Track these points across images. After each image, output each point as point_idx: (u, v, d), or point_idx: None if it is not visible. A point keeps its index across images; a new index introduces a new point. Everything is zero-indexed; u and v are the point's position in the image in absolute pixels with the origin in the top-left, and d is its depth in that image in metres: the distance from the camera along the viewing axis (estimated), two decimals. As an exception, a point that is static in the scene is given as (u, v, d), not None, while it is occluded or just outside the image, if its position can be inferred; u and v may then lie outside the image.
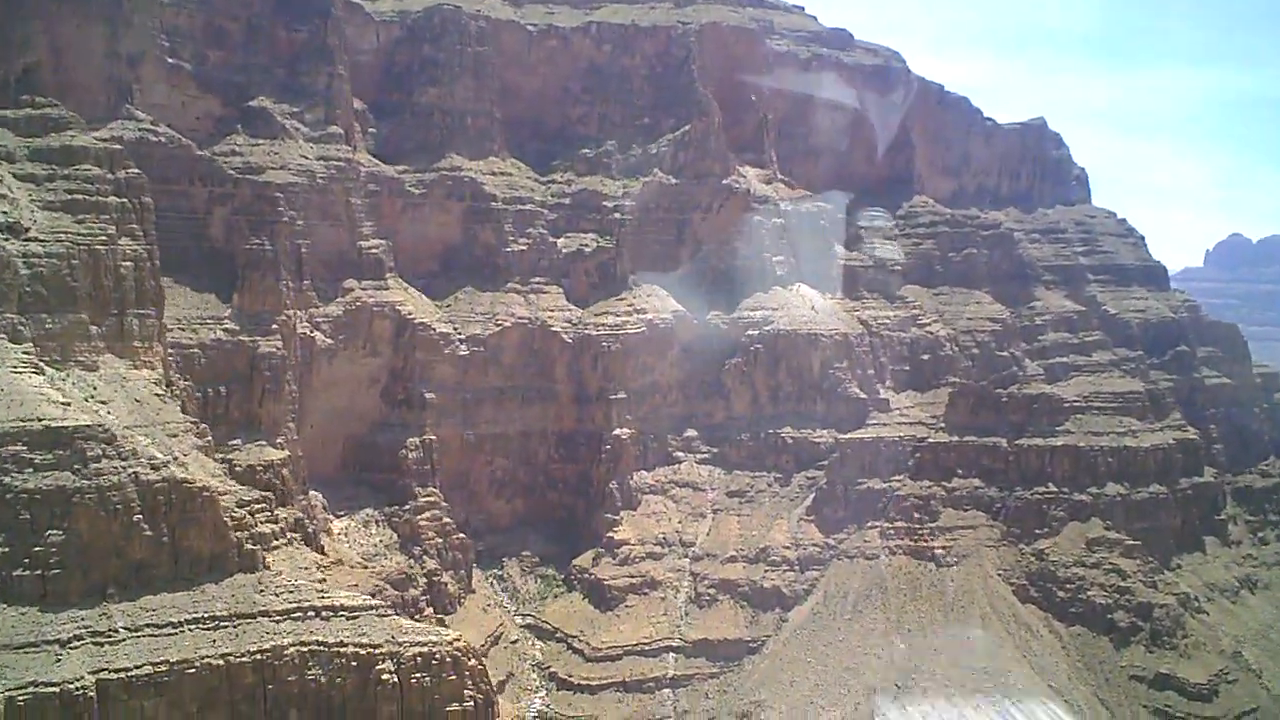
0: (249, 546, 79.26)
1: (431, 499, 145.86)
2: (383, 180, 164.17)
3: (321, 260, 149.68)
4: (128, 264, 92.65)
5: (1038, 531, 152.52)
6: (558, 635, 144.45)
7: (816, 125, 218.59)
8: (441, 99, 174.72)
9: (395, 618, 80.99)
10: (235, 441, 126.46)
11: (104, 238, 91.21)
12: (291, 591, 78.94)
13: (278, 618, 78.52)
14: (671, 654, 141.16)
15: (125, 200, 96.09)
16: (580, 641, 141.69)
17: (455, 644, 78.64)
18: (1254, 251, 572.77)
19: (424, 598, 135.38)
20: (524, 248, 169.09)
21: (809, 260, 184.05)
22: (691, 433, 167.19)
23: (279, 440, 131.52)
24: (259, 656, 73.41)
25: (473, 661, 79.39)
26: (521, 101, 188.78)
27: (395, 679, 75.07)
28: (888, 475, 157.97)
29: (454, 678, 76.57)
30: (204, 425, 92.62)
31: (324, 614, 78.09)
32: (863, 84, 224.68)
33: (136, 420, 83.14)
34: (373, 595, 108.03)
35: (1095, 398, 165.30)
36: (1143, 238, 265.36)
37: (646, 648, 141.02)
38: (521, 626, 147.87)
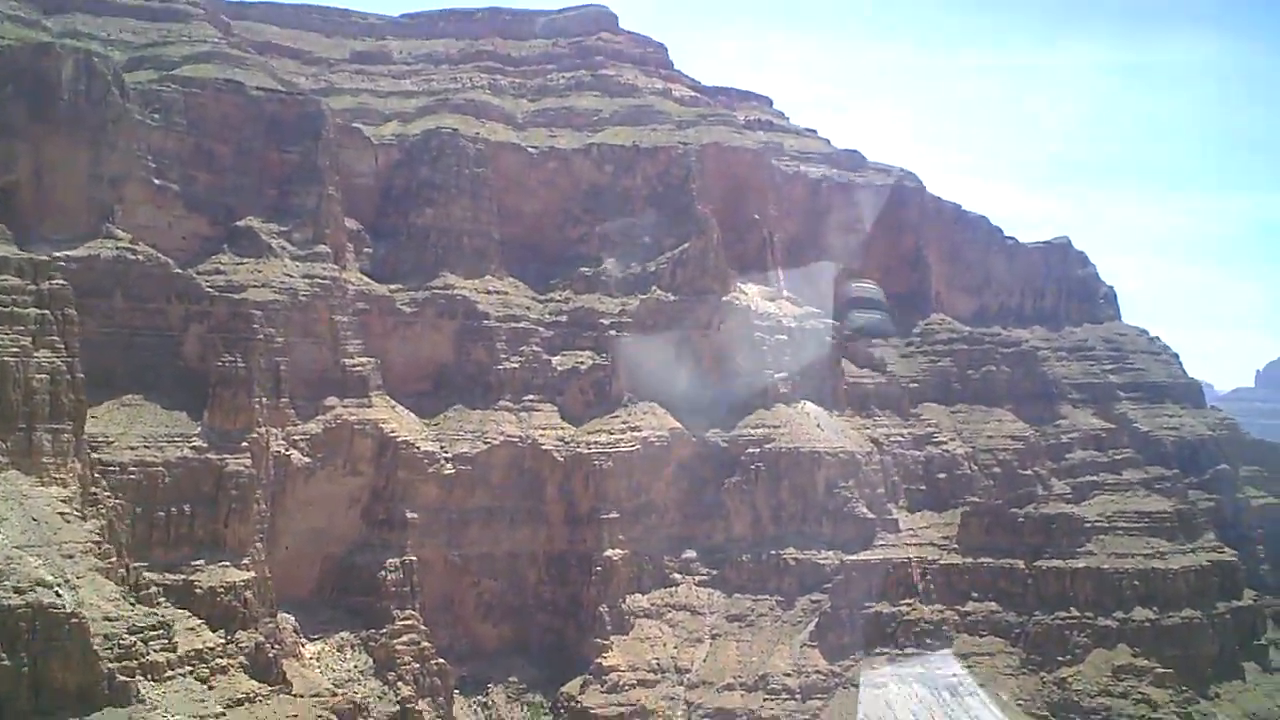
0: (121, 679, 71.19)
1: (410, 622, 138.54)
2: (372, 299, 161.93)
3: (302, 378, 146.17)
4: (42, 377, 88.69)
5: (1060, 659, 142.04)
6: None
7: (828, 246, 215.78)
8: (438, 220, 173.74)
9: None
10: (199, 562, 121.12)
11: (15, 350, 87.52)
12: (163, 730, 70.90)
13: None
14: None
15: (46, 312, 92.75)
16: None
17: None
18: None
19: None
20: (516, 365, 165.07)
21: (814, 377, 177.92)
22: (690, 554, 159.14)
23: (245, 561, 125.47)
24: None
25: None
26: (521, 222, 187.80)
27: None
28: (897, 599, 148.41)
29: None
30: (107, 546, 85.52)
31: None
32: (875, 203, 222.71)
33: (30, 540, 77.93)
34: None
35: (1119, 517, 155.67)
36: (1176, 355, 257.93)
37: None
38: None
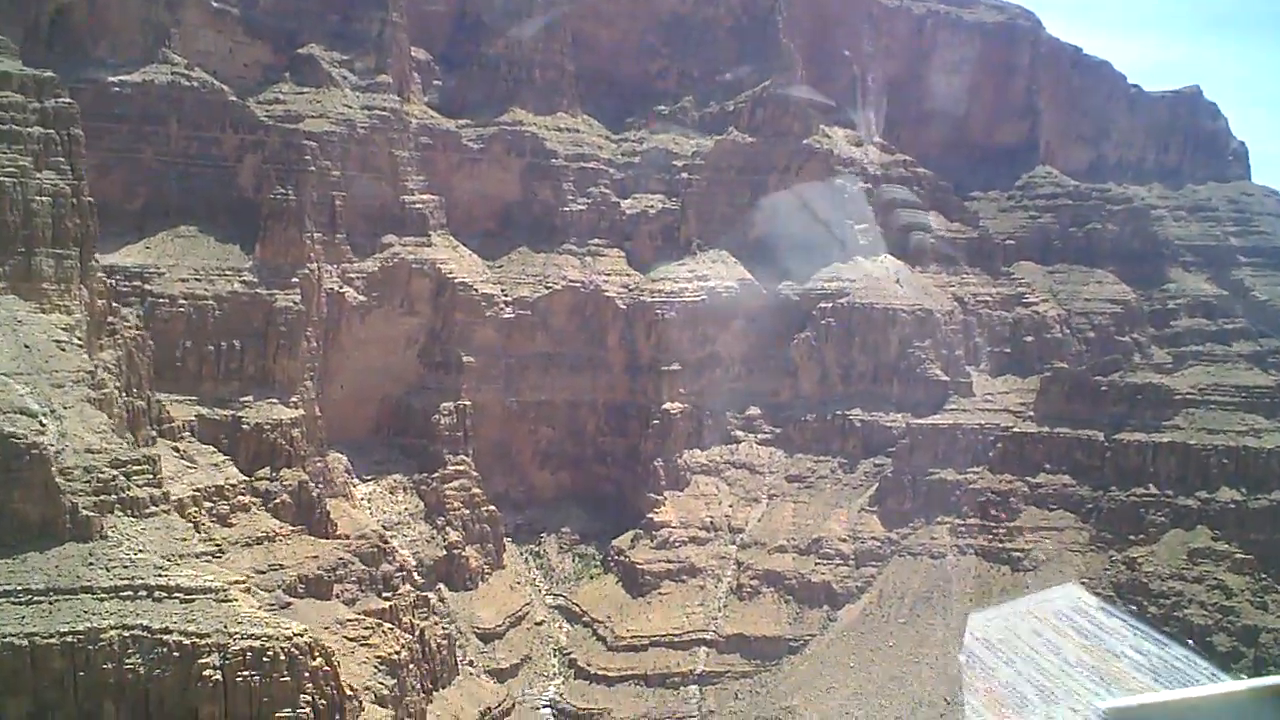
0: (86, 513, 69.26)
1: (461, 467, 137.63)
2: (437, 133, 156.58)
3: (360, 213, 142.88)
4: (43, 199, 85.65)
5: (1132, 538, 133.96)
6: (585, 620, 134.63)
7: (931, 87, 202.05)
8: (509, 50, 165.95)
9: (237, 604, 68.65)
10: (247, 398, 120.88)
11: (13, 170, 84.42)
12: (125, 566, 68.65)
13: (102, 596, 67.21)
14: (703, 648, 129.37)
15: (51, 131, 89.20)
16: (605, 628, 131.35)
17: (295, 640, 66.38)
18: None
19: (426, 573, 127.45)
20: (583, 207, 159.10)
21: (899, 230, 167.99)
22: (754, 410, 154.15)
23: (293, 399, 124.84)
24: (71, 639, 63.55)
25: (316, 661, 67.69)
26: (598, 54, 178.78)
27: (219, 675, 64.13)
28: (964, 466, 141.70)
29: (287, 679, 65.11)
30: (102, 376, 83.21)
31: (157, 594, 67.81)
32: (984, 43, 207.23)
33: (20, 367, 75.98)
34: (333, 570, 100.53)
35: (1213, 390, 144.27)
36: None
37: (676, 639, 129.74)
38: (551, 608, 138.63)
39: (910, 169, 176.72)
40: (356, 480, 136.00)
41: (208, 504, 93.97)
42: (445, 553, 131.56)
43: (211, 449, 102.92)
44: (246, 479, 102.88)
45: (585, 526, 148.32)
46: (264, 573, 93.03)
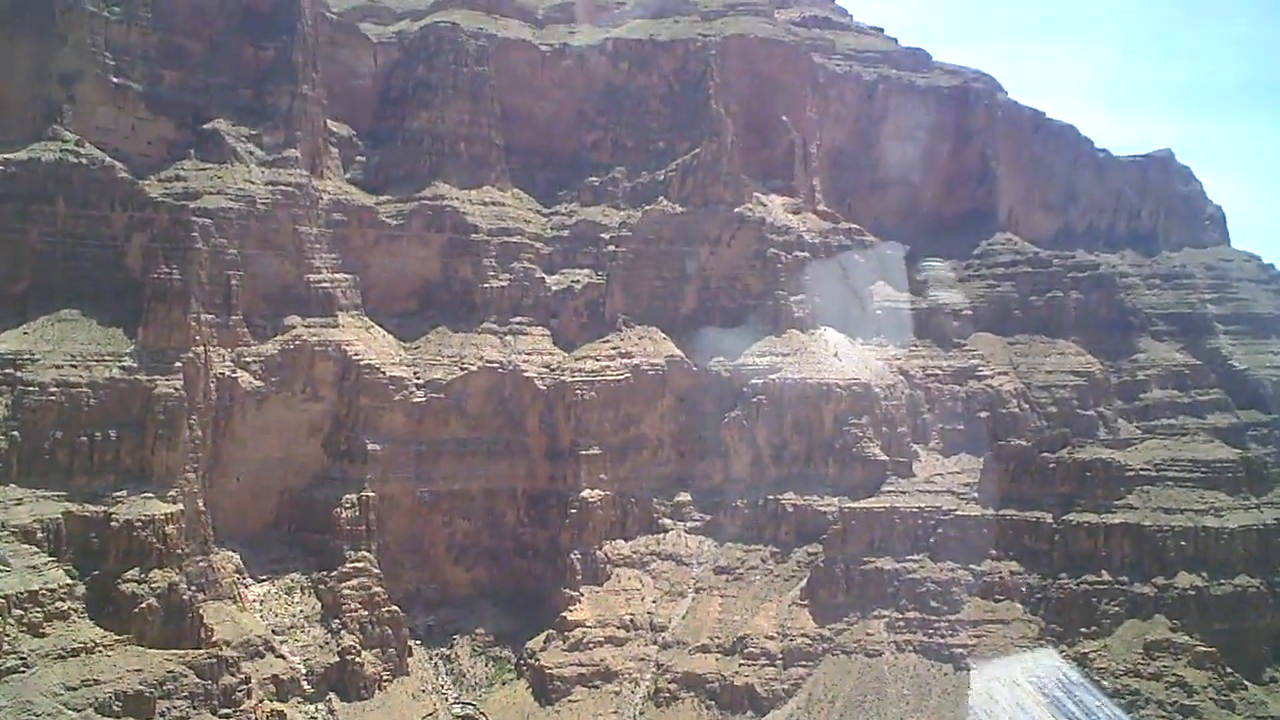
0: None
1: (361, 564, 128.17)
2: (351, 209, 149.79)
3: (260, 294, 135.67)
4: None
5: (1084, 630, 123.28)
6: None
7: (883, 155, 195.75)
8: (432, 124, 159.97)
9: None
10: (120, 492, 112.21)
11: None
12: None
13: None
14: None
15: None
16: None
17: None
18: None
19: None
20: (505, 284, 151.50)
21: (839, 302, 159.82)
22: (684, 496, 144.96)
23: (171, 494, 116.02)
24: None
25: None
26: (533, 128, 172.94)
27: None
28: (902, 554, 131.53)
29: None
30: None
31: None
32: (938, 109, 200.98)
33: None
34: (159, 684, 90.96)
35: (1170, 465, 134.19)
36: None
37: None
38: (458, 718, 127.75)
39: (855, 237, 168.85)
40: (250, 580, 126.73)
41: (18, 612, 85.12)
42: (339, 659, 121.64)
43: (33, 550, 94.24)
44: (70, 583, 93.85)
45: (503, 626, 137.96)
46: (75, 689, 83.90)
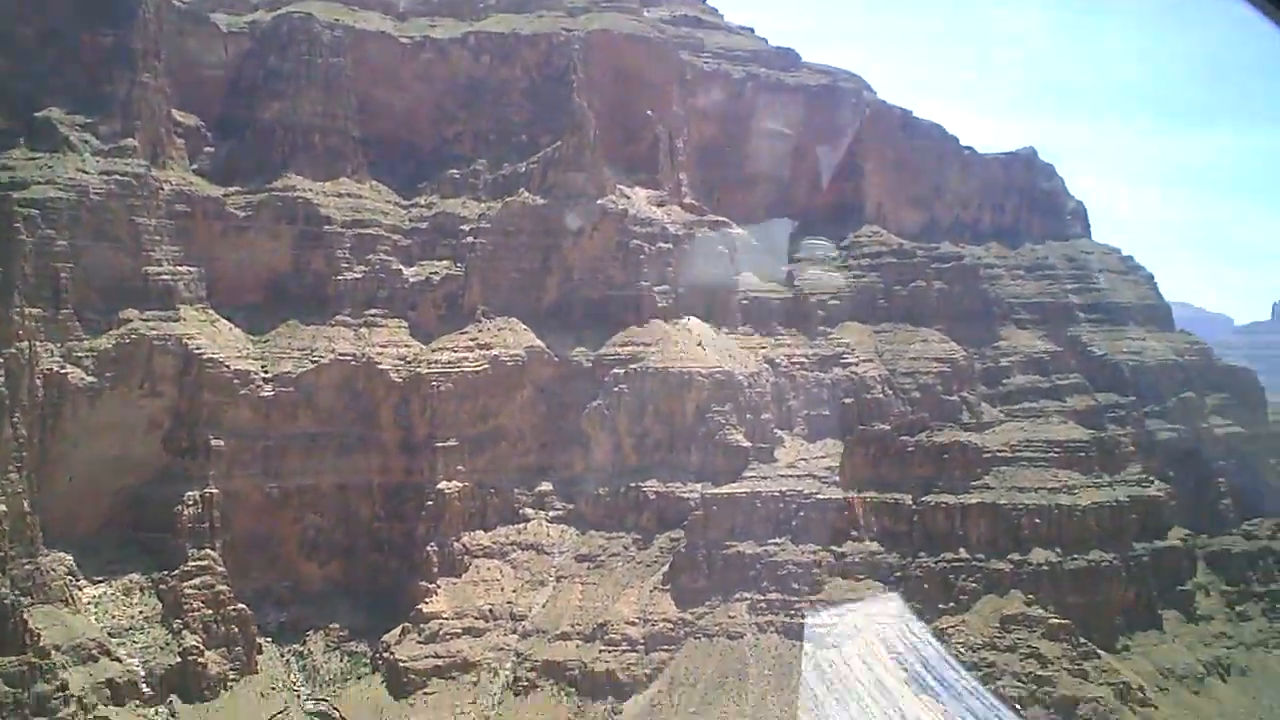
0: None
1: (204, 563, 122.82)
2: (196, 200, 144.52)
3: (94, 287, 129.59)
4: None
5: (942, 607, 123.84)
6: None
7: (753, 151, 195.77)
8: (284, 115, 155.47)
9: None
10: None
11: None
12: None
13: None
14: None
15: None
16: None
17: None
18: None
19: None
20: (359, 276, 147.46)
21: (704, 292, 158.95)
22: (545, 486, 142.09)
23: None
24: None
25: None
26: (393, 120, 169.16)
27: None
28: (764, 538, 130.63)
29: None
30: None
31: None
32: (807, 106, 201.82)
33: None
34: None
35: (1025, 447, 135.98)
36: (1150, 276, 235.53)
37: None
38: (310, 714, 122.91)
39: (720, 229, 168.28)
40: (84, 582, 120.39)
41: None
42: (180, 660, 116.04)
43: None
44: None
45: (359, 622, 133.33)
46: None
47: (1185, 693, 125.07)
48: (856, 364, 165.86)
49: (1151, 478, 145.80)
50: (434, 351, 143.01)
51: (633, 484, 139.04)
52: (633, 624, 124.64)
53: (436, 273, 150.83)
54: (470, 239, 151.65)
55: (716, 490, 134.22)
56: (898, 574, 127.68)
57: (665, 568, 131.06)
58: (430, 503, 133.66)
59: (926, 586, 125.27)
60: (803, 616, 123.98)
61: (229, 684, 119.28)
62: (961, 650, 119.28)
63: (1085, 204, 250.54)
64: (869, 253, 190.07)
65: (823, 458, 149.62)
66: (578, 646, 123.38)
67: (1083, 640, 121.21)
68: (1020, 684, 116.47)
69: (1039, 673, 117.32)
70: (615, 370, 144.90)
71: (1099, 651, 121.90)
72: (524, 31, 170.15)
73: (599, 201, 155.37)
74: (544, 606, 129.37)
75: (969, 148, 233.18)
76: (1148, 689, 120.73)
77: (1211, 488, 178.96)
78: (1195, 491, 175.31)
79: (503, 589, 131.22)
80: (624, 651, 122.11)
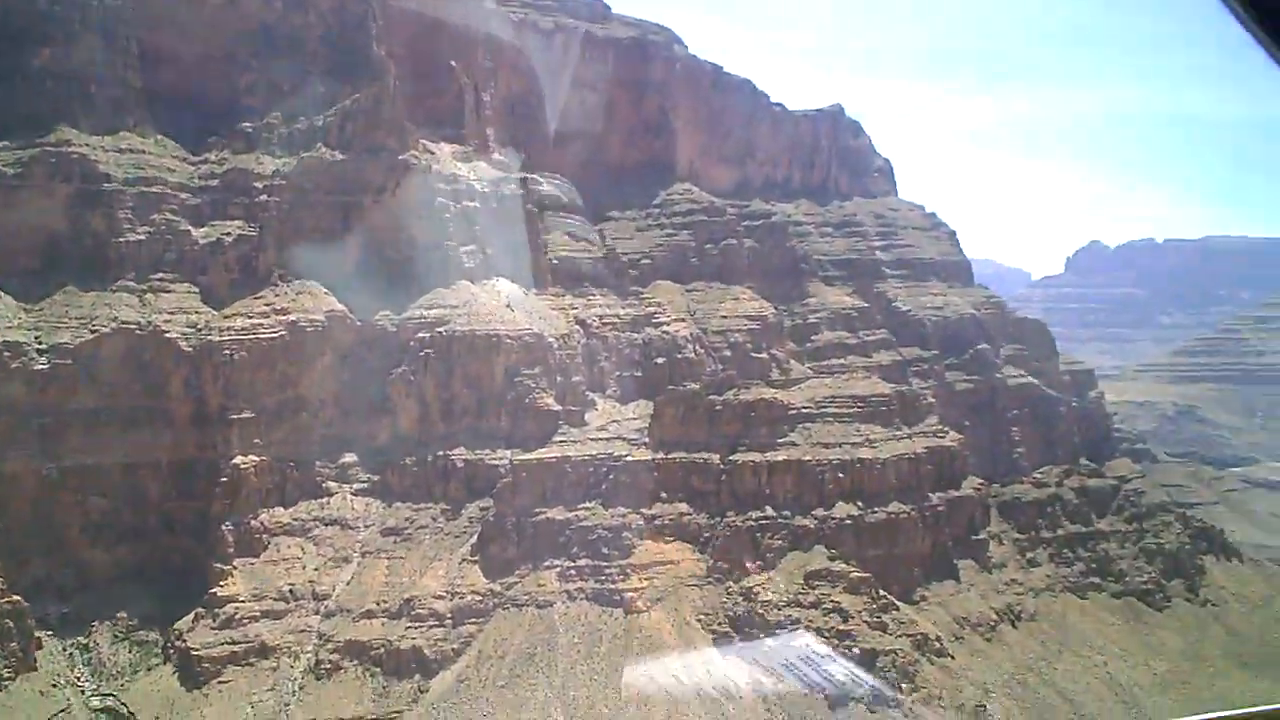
0: None
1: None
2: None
3: None
4: None
5: (750, 565, 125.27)
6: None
7: (563, 105, 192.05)
8: (56, 63, 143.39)
9: None
10: None
11: None
12: None
13: None
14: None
15: None
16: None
17: None
18: (1111, 257, 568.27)
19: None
20: (144, 237, 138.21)
21: (513, 251, 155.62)
22: (349, 458, 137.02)
23: None
24: None
25: None
26: (179, 70, 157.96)
27: None
28: (574, 503, 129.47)
29: None
30: None
31: None
32: (617, 60, 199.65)
33: None
34: None
35: (829, 403, 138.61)
36: (953, 232, 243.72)
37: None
38: (96, 711, 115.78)
39: (531, 186, 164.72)
40: None
41: None
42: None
43: None
44: None
45: (150, 609, 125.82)
46: None
47: (979, 640, 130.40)
48: (668, 323, 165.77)
49: (946, 429, 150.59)
50: (227, 318, 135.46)
51: (440, 452, 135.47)
52: (440, 598, 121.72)
53: (228, 234, 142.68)
54: (265, 197, 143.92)
55: (526, 456, 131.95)
56: (706, 534, 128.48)
57: (474, 538, 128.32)
58: (225, 479, 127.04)
59: (734, 545, 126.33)
60: (612, 582, 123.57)
61: (3, 683, 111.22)
62: (768, 608, 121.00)
63: (891, 162, 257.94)
64: (680, 211, 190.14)
65: (634, 419, 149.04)
66: (383, 624, 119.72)
67: (882, 593, 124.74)
68: (824, 639, 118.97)
69: (840, 627, 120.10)
70: (421, 334, 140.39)
71: (897, 604, 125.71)
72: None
73: (401, 157, 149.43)
74: (348, 584, 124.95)
75: (779, 104, 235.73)
76: (944, 638, 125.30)
77: (1005, 437, 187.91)
78: (990, 441, 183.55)
79: (304, 568, 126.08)
80: (431, 627, 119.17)
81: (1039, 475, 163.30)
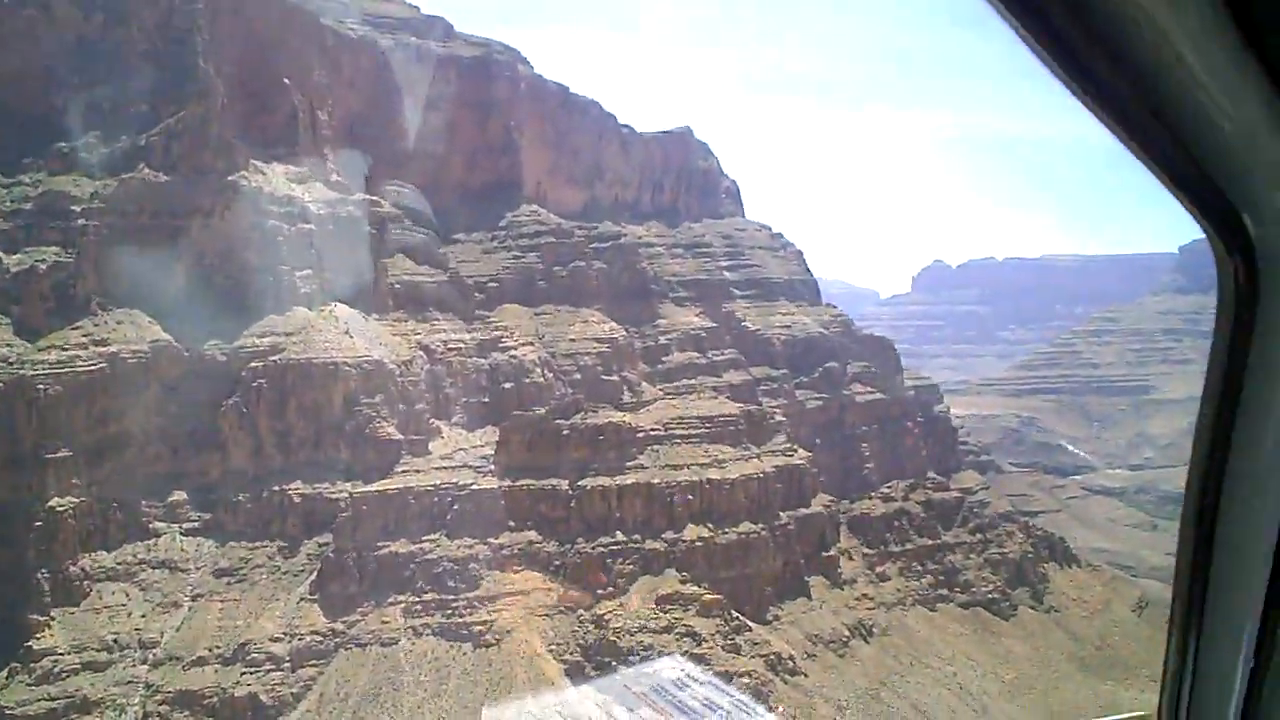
0: None
1: None
2: None
3: None
4: None
5: (601, 592, 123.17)
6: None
7: (405, 125, 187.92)
8: None
9: None
10: None
11: None
12: None
13: None
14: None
15: None
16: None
17: None
18: (954, 276, 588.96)
19: None
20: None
21: (352, 275, 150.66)
22: (179, 496, 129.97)
23: None
24: None
25: None
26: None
27: None
28: (418, 535, 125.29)
29: None
30: None
31: None
32: (460, 79, 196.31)
33: None
34: None
35: (677, 424, 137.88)
36: (800, 252, 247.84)
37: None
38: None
39: (370, 209, 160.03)
40: None
41: None
42: None
43: None
44: None
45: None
46: None
47: (832, 657, 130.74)
48: (516, 347, 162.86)
49: (795, 447, 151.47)
50: (40, 351, 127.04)
51: (276, 487, 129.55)
52: (278, 640, 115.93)
53: (43, 260, 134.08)
54: (82, 221, 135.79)
55: (366, 488, 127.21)
56: (557, 562, 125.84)
57: (313, 576, 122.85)
58: (39, 523, 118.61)
59: (585, 572, 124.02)
60: (460, 615, 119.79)
61: None
62: (620, 635, 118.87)
63: (738, 183, 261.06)
64: (527, 233, 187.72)
65: (481, 446, 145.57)
66: (216, 671, 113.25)
67: (735, 614, 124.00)
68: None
69: (694, 651, 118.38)
70: (253, 364, 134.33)
71: (750, 624, 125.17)
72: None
73: (230, 178, 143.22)
74: (178, 630, 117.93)
75: (627, 126, 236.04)
76: (797, 657, 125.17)
77: (855, 453, 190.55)
78: (840, 458, 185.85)
79: (129, 615, 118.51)
80: (268, 671, 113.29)
81: (886, 490, 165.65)
